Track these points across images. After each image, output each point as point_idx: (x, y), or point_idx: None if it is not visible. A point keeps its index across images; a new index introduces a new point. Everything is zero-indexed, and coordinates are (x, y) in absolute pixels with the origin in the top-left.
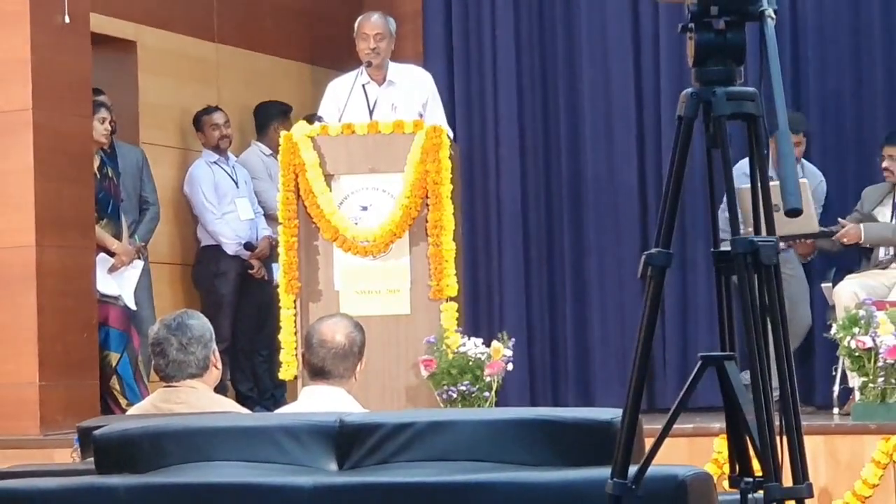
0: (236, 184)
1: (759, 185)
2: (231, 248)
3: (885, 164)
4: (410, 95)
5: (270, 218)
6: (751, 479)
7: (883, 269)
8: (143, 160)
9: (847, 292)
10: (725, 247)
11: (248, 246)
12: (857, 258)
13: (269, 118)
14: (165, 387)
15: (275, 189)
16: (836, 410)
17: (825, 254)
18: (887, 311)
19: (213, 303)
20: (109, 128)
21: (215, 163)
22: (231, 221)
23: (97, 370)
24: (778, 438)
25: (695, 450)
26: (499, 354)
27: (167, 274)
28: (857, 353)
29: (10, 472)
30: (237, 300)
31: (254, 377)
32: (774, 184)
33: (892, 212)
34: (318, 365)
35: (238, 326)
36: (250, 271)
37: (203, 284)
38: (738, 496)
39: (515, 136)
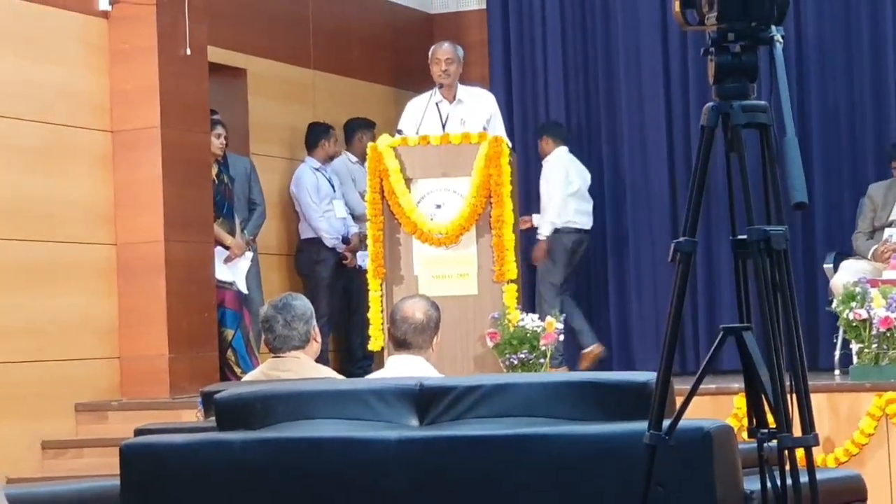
0: (333, 187)
1: (770, 183)
2: (329, 241)
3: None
4: (476, 112)
5: (351, 216)
6: (766, 431)
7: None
8: (251, 168)
9: (843, 276)
10: (743, 235)
11: (345, 240)
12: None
13: (355, 129)
14: (273, 357)
15: (356, 193)
16: (837, 372)
17: None
18: (879, 288)
19: (313, 286)
20: (224, 142)
21: (317, 169)
22: (330, 219)
23: (216, 344)
24: (788, 396)
25: (718, 406)
26: (552, 327)
27: (273, 263)
28: (854, 324)
29: (146, 429)
30: (333, 284)
31: (349, 350)
32: None
33: None
34: (401, 338)
35: (332, 306)
36: (344, 261)
37: (304, 271)
38: (755, 445)
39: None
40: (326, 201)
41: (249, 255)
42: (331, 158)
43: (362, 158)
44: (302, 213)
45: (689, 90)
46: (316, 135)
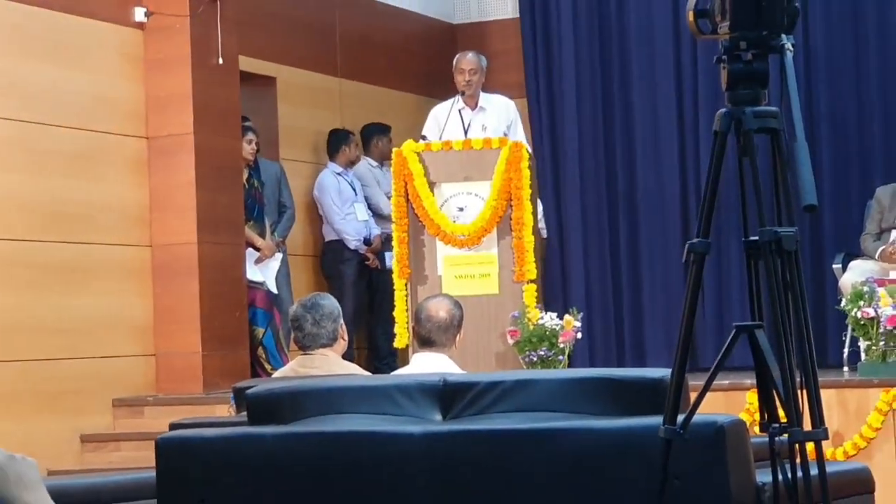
0: (355, 191)
1: (780, 186)
2: (352, 243)
3: None
4: (497, 118)
5: (380, 216)
6: (777, 425)
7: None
8: (281, 172)
9: (851, 276)
10: (755, 236)
11: (367, 241)
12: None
13: (371, 134)
14: (302, 355)
15: (381, 194)
16: (845, 368)
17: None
18: (886, 288)
19: (338, 286)
20: (255, 147)
21: (339, 174)
22: (351, 222)
23: (247, 342)
24: (799, 392)
25: (730, 402)
26: (570, 325)
27: (302, 264)
28: (862, 322)
29: (180, 423)
30: (357, 283)
31: (374, 347)
32: None
33: None
34: (425, 335)
35: (357, 305)
36: (366, 262)
37: (329, 272)
38: (766, 439)
39: (577, 151)
40: (348, 204)
41: (279, 256)
42: (352, 163)
43: (380, 161)
44: (325, 216)
45: (700, 98)
46: (337, 141)
